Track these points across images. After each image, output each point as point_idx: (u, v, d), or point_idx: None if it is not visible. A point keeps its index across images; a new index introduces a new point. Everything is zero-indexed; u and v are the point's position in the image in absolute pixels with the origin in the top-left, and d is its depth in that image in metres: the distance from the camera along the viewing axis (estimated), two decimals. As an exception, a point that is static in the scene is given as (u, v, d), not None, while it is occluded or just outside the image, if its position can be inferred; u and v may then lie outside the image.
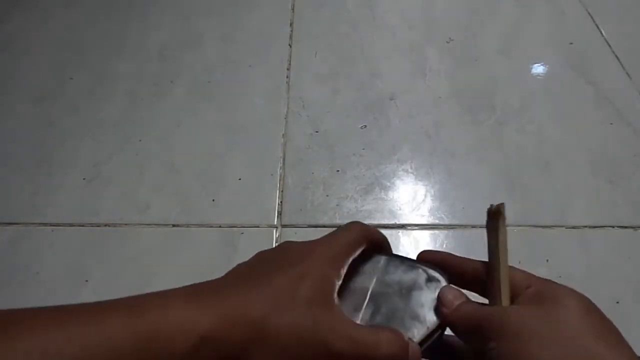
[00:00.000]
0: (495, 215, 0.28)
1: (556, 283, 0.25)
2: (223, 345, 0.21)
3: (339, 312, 0.24)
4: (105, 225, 0.57)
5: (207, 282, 0.25)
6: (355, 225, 0.29)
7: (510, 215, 0.58)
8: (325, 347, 0.22)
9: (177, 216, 0.57)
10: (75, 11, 0.86)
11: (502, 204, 0.27)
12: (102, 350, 0.19)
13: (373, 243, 0.31)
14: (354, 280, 0.30)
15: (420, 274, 0.32)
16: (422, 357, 0.28)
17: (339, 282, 0.26)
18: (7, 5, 0.87)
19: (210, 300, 0.23)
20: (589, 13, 0.81)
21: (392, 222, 0.56)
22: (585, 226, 0.55)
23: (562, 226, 0.55)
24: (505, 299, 0.25)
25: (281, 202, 0.58)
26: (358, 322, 0.28)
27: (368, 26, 0.81)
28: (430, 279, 0.31)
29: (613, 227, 0.55)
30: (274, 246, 0.28)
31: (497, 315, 0.24)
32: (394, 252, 0.34)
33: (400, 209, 0.57)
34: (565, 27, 0.79)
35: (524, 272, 0.26)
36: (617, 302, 0.49)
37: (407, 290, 0.30)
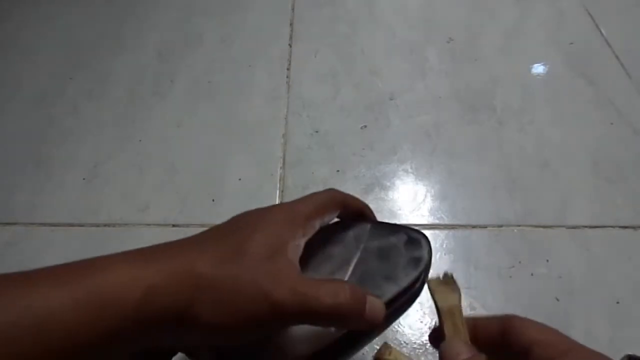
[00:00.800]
0: (429, 286, 0.28)
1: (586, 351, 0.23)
2: (168, 298, 0.21)
3: (286, 266, 0.23)
4: (105, 225, 0.57)
5: (158, 244, 0.24)
6: (329, 190, 0.29)
7: (510, 215, 0.59)
8: (266, 299, 0.21)
9: (177, 216, 0.57)
10: (75, 11, 0.86)
11: (437, 279, 0.27)
12: (37, 313, 0.19)
13: (349, 208, 0.30)
14: (332, 248, 0.30)
15: (400, 237, 0.31)
16: (392, 316, 0.27)
17: (297, 242, 0.25)
18: (6, 5, 0.87)
19: (157, 259, 0.22)
20: (589, 13, 0.81)
21: (392, 222, 0.56)
22: (585, 226, 0.55)
23: (562, 226, 0.55)
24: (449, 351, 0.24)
25: (281, 202, 0.58)
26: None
27: (368, 26, 0.81)
28: (410, 241, 0.31)
29: (613, 227, 0.55)
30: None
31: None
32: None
33: (400, 209, 0.57)
34: (565, 27, 0.79)
35: (563, 337, 0.24)
36: (617, 302, 0.49)
37: (386, 253, 0.30)
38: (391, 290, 0.27)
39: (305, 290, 0.22)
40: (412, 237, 0.31)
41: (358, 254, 0.30)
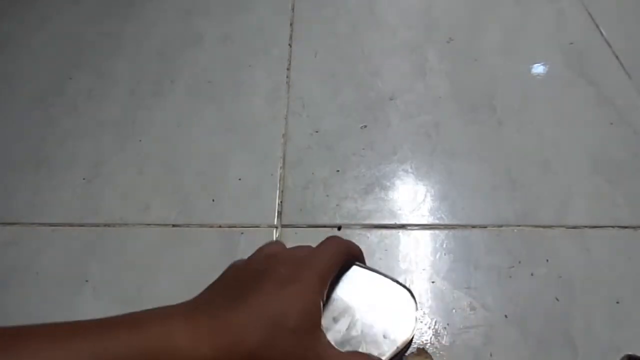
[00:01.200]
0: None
1: None
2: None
3: (325, 341, 0.25)
4: (105, 225, 0.57)
5: (203, 297, 0.25)
6: (334, 241, 0.30)
7: (510, 215, 0.58)
8: None
9: (177, 216, 0.57)
10: (75, 11, 0.86)
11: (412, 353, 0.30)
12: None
13: (351, 256, 0.32)
14: (332, 290, 0.31)
15: (392, 289, 0.33)
16: None
17: (323, 304, 0.27)
18: (6, 4, 0.87)
19: (208, 323, 0.23)
20: (589, 13, 0.81)
21: (392, 222, 0.56)
22: (585, 226, 0.55)
23: (562, 226, 0.55)
24: None
25: (281, 202, 0.58)
26: (336, 334, 0.29)
27: (368, 26, 0.81)
28: (399, 293, 0.32)
29: (613, 227, 0.55)
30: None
31: None
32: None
33: (400, 209, 0.57)
34: (565, 27, 0.79)
35: None
36: (617, 302, 0.49)
37: (381, 305, 0.31)
38: (390, 349, 0.29)
39: None
40: (400, 289, 0.33)
41: (355, 301, 0.31)
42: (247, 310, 0.25)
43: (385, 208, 0.57)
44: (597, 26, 0.78)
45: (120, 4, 0.86)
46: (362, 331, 0.29)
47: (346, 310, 0.30)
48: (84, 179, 0.61)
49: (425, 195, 0.59)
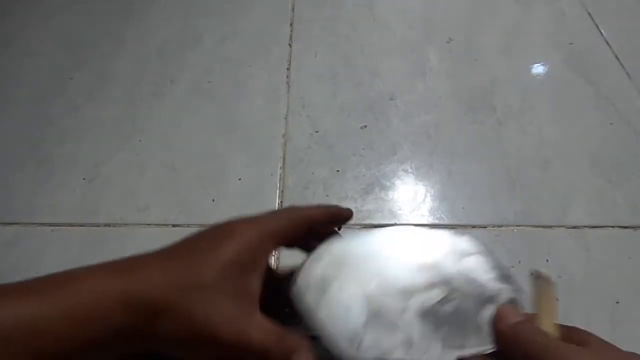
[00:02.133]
0: (535, 277, 0.30)
1: (606, 344, 0.26)
2: (131, 316, 0.23)
3: (246, 304, 0.25)
4: (105, 225, 0.57)
5: (130, 257, 0.27)
6: (289, 209, 0.30)
7: (510, 215, 0.59)
8: (214, 337, 0.24)
9: (177, 216, 0.57)
10: (75, 11, 0.86)
11: (540, 274, 0.30)
12: (29, 323, 0.21)
13: (318, 221, 0.31)
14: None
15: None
16: None
17: (263, 264, 0.27)
18: (7, 4, 0.87)
19: (124, 274, 0.25)
20: (589, 13, 0.81)
21: (392, 222, 0.56)
22: (585, 226, 0.55)
23: (562, 226, 0.55)
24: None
25: (281, 202, 0.58)
26: (424, 301, 0.27)
27: (368, 26, 0.81)
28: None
29: (613, 227, 0.55)
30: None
31: (545, 341, 0.25)
32: None
33: (400, 209, 0.57)
34: (565, 27, 0.79)
35: (588, 334, 0.27)
36: (617, 302, 0.49)
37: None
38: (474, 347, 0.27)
39: (245, 329, 0.25)
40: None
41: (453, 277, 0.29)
42: (163, 262, 0.26)
43: (385, 208, 0.57)
44: (597, 26, 0.78)
45: (120, 4, 0.86)
46: (455, 310, 0.28)
47: (443, 280, 0.28)
48: (84, 179, 0.61)
49: (425, 195, 0.59)
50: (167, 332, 0.24)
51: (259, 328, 0.25)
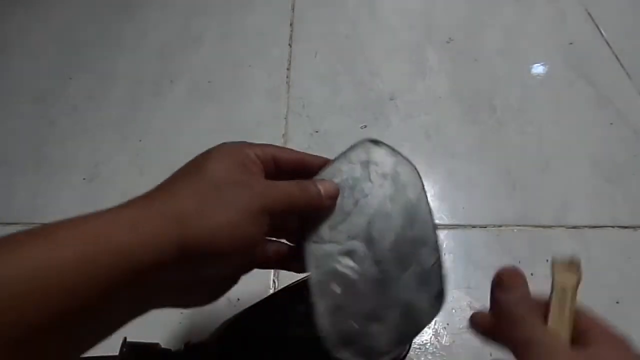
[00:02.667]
0: (553, 264, 0.29)
1: (614, 337, 0.25)
2: (155, 230, 0.23)
3: (252, 178, 0.27)
4: (105, 225, 0.56)
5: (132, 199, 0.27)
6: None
7: (510, 215, 0.59)
8: (249, 201, 0.25)
9: (177, 216, 0.57)
10: (75, 11, 0.86)
11: (560, 259, 0.29)
12: (48, 268, 0.19)
13: (282, 164, 0.32)
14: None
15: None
16: None
17: (253, 158, 0.29)
18: (7, 5, 0.87)
19: (134, 204, 0.27)
20: (589, 13, 0.81)
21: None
22: (585, 226, 0.55)
23: (562, 226, 0.55)
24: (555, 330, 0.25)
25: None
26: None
27: (368, 26, 0.81)
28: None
29: (613, 227, 0.55)
30: None
31: (541, 343, 0.24)
32: None
33: (400, 209, 0.57)
34: (565, 27, 0.79)
35: (601, 326, 0.26)
36: (617, 302, 0.49)
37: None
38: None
39: (274, 188, 0.27)
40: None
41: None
42: (171, 185, 0.28)
43: (385, 208, 0.57)
44: (597, 26, 0.78)
45: (120, 4, 0.86)
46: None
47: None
48: (84, 179, 0.61)
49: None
50: (207, 237, 0.23)
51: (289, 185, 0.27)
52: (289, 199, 0.27)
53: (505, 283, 0.27)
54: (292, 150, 0.32)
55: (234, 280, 0.29)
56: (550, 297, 0.27)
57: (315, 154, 0.33)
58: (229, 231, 0.24)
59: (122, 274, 0.21)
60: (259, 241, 0.26)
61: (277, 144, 0.32)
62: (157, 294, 0.24)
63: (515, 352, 0.24)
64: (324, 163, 0.33)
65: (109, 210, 0.24)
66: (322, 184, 0.29)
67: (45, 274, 0.19)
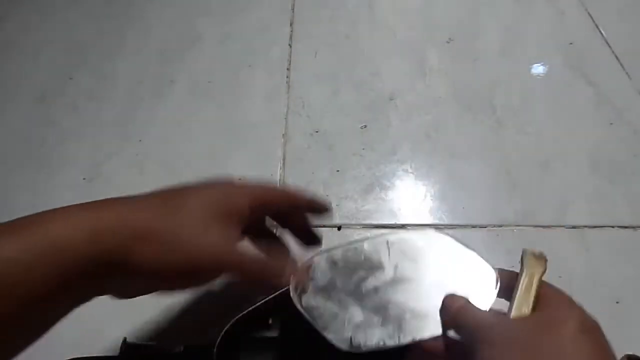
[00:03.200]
0: (522, 255, 0.33)
1: (567, 303, 0.29)
2: (111, 241, 0.23)
3: (232, 234, 0.27)
4: (105, 225, 0.56)
5: (103, 199, 0.28)
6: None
7: (510, 215, 0.59)
8: (189, 252, 0.25)
9: (177, 216, 0.57)
10: (75, 11, 0.86)
11: (530, 251, 0.33)
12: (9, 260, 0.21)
13: (271, 205, 0.32)
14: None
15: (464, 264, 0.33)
16: None
17: (239, 211, 0.28)
18: (7, 4, 0.87)
19: (99, 209, 0.26)
20: (589, 13, 0.81)
21: (392, 222, 0.56)
22: (585, 226, 0.55)
23: (562, 226, 0.55)
24: (512, 312, 0.29)
25: (281, 202, 0.58)
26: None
27: (368, 26, 0.81)
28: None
29: (613, 227, 0.55)
30: None
31: (486, 324, 0.27)
32: None
33: (400, 209, 0.57)
34: (565, 27, 0.79)
35: (557, 293, 0.30)
36: (617, 302, 0.49)
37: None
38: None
39: (223, 251, 0.26)
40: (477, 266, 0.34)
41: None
42: (142, 200, 0.27)
43: (385, 208, 0.57)
44: (597, 26, 0.78)
45: (120, 4, 0.86)
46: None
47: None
48: (84, 179, 0.61)
49: (425, 195, 0.59)
50: (146, 259, 0.23)
51: (243, 250, 0.27)
52: (236, 268, 0.27)
53: (446, 304, 0.30)
54: (283, 191, 0.32)
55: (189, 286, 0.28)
56: (518, 281, 0.31)
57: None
58: (169, 267, 0.24)
59: (73, 272, 0.22)
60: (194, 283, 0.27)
61: (273, 183, 0.32)
62: (101, 289, 0.25)
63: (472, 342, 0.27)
64: (314, 201, 0.33)
65: (80, 207, 0.25)
66: (271, 267, 0.29)
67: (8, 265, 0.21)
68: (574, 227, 0.55)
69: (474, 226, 0.55)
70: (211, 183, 0.29)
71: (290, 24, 0.81)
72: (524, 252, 0.33)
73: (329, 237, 0.54)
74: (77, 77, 0.74)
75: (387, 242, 0.33)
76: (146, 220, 0.25)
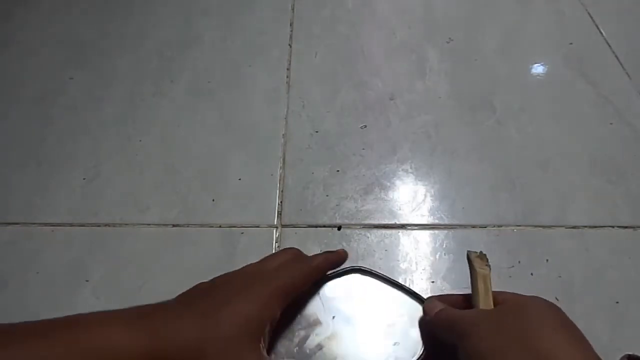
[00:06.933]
0: (470, 258, 0.35)
1: (527, 295, 0.30)
2: (169, 354, 0.24)
3: (262, 354, 0.27)
4: (106, 225, 0.57)
5: (150, 305, 0.28)
6: (298, 260, 0.32)
7: (510, 215, 0.59)
8: None
9: (177, 216, 0.57)
10: (75, 11, 0.86)
11: (475, 253, 0.35)
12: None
13: (318, 276, 0.33)
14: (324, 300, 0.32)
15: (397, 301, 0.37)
16: None
17: (274, 318, 0.29)
18: (7, 4, 0.87)
19: (150, 324, 0.25)
20: (589, 13, 0.81)
21: (392, 222, 0.56)
22: (585, 226, 0.55)
23: (562, 226, 0.55)
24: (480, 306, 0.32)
25: (281, 202, 0.58)
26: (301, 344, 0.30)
27: (368, 26, 0.81)
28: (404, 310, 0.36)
29: (613, 227, 0.55)
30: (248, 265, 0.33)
31: (460, 318, 0.29)
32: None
33: (400, 209, 0.57)
34: (565, 27, 0.79)
35: (513, 293, 0.32)
36: (617, 302, 0.49)
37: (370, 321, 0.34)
38: None
39: None
40: (406, 301, 0.35)
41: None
42: (184, 316, 0.27)
43: (385, 208, 0.57)
44: (597, 26, 0.78)
45: (120, 4, 0.86)
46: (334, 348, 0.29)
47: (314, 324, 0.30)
48: (84, 179, 0.61)
49: (425, 195, 0.59)
50: None
51: None
52: None
53: (426, 310, 0.32)
54: (311, 275, 0.33)
55: None
56: (474, 286, 0.33)
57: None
58: None
59: None
60: None
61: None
62: None
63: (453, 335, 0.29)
64: (334, 264, 0.34)
65: (124, 315, 0.26)
66: None
67: None
68: (574, 227, 0.55)
69: (474, 226, 0.55)
70: (244, 286, 0.29)
71: (290, 24, 0.81)
72: (469, 255, 0.34)
73: (329, 237, 0.54)
74: (77, 77, 0.74)
75: (319, 295, 0.33)
76: (194, 340, 0.26)
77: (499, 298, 0.31)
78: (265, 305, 0.28)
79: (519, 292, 0.49)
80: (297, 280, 0.31)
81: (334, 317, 0.31)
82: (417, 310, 0.34)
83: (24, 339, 0.22)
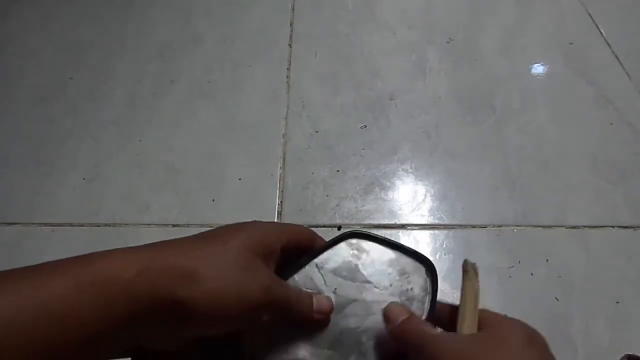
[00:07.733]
0: (465, 269, 0.32)
1: (510, 320, 0.28)
2: (161, 280, 0.23)
3: (265, 273, 0.27)
4: (106, 225, 0.57)
5: (152, 243, 0.27)
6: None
7: (510, 215, 0.58)
8: (242, 298, 0.25)
9: (177, 216, 0.57)
10: (75, 11, 0.86)
11: (471, 264, 0.32)
12: (41, 299, 0.21)
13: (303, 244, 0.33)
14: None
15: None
16: None
17: (274, 249, 0.29)
18: (7, 4, 0.87)
19: (150, 250, 0.25)
20: (589, 13, 0.81)
21: (392, 222, 0.56)
22: (585, 226, 0.55)
23: (562, 226, 0.55)
24: (463, 330, 0.28)
25: (281, 202, 0.58)
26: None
27: (368, 26, 0.81)
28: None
29: (613, 227, 0.55)
30: None
31: (433, 340, 0.26)
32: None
33: (400, 209, 0.57)
34: (565, 27, 0.79)
35: (495, 314, 0.29)
36: (617, 302, 0.49)
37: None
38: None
39: (278, 290, 0.27)
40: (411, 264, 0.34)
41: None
42: (178, 243, 0.27)
43: (385, 208, 0.57)
44: (597, 26, 0.78)
45: (120, 4, 0.86)
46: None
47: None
48: (84, 179, 0.61)
49: (425, 195, 0.59)
50: (196, 298, 0.24)
51: (289, 286, 0.28)
52: (285, 304, 0.28)
53: (388, 317, 0.29)
54: (312, 235, 0.33)
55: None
56: (462, 302, 0.30)
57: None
58: (221, 306, 0.25)
59: (121, 310, 0.22)
60: (243, 325, 0.28)
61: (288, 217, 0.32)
62: (149, 337, 0.25)
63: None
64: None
65: (124, 249, 0.25)
66: (318, 300, 0.30)
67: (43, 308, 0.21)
68: (574, 227, 0.55)
69: (474, 226, 0.55)
70: (248, 224, 0.29)
71: (290, 24, 0.81)
72: (466, 266, 0.32)
73: (328, 237, 0.54)
74: (77, 77, 0.74)
75: (317, 267, 0.32)
76: (192, 259, 0.25)
77: (480, 317, 0.29)
78: (266, 236, 0.28)
79: (518, 292, 0.50)
80: (295, 227, 0.31)
81: (335, 289, 0.31)
82: (420, 270, 0.33)
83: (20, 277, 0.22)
